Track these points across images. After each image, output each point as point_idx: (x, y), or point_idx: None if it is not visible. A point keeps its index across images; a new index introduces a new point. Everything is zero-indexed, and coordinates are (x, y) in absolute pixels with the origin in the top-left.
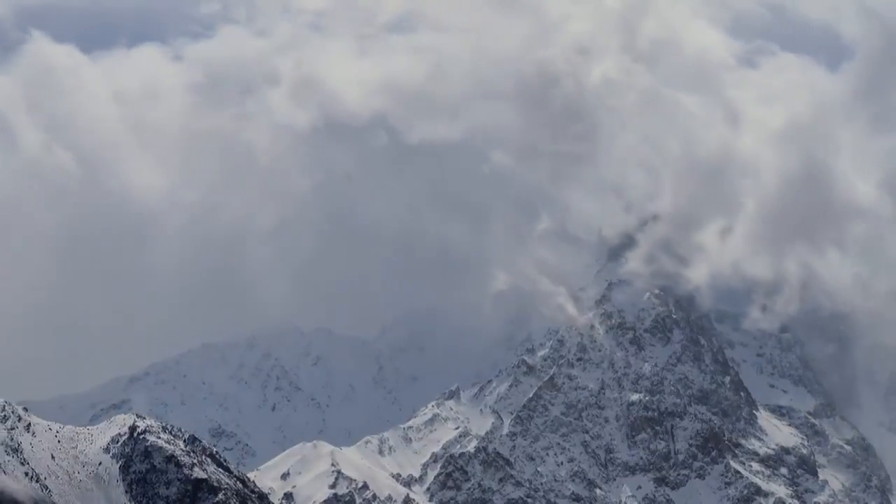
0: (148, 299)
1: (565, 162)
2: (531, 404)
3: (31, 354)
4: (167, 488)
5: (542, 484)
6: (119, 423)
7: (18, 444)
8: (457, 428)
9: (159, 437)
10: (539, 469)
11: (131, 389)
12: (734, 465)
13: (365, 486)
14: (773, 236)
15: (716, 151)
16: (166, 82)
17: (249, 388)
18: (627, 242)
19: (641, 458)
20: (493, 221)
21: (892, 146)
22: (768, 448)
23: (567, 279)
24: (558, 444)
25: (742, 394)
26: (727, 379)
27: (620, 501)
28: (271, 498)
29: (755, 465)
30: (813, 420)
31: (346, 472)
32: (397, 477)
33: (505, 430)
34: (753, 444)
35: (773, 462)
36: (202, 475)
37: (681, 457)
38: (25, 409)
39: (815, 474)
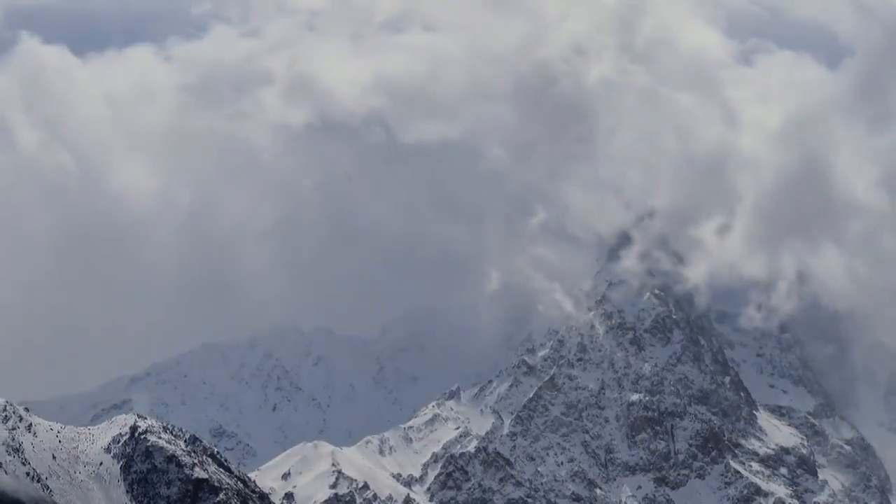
0: (149, 299)
1: (563, 161)
2: (531, 404)
3: (31, 354)
4: (168, 488)
5: (542, 484)
6: (120, 424)
7: (20, 445)
8: (457, 428)
9: (160, 438)
10: (539, 469)
11: (132, 389)
12: (734, 465)
13: (365, 486)
14: (771, 234)
15: (713, 150)
16: (158, 83)
17: (250, 389)
18: (625, 240)
19: (641, 458)
20: (491, 221)
21: (889, 143)
22: (768, 448)
23: (565, 277)
24: (558, 444)
25: (742, 394)
26: (727, 379)
27: (620, 501)
28: (272, 498)
29: (755, 465)
30: (813, 420)
31: (347, 472)
32: (398, 477)
33: (505, 430)
34: (753, 444)
35: (772, 462)
36: (203, 475)
37: (681, 457)
38: (27, 410)
39: (814, 474)
